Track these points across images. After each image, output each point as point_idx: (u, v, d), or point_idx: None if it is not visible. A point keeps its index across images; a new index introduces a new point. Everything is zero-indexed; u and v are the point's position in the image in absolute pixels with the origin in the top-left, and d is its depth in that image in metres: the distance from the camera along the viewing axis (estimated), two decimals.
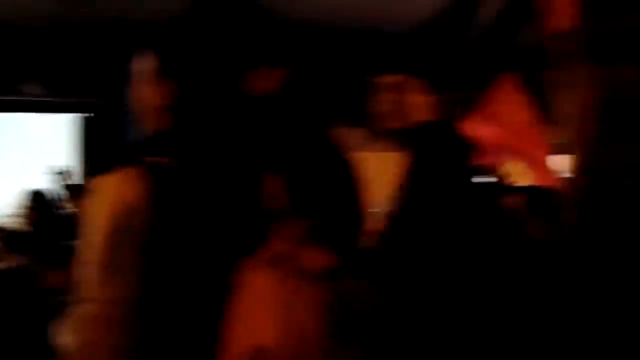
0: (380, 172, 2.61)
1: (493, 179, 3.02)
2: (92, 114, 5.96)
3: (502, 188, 3.14)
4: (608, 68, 1.55)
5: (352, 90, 2.81)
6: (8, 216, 4.78)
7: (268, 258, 1.64)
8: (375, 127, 2.88)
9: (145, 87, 1.85)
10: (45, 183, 5.40)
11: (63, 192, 5.41)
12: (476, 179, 2.90)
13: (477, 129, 6.56)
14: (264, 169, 1.81)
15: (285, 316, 1.53)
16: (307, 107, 2.46)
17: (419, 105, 2.78)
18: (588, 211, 1.51)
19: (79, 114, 5.99)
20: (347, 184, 2.45)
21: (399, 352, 1.73)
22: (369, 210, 2.57)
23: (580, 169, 1.55)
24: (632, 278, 1.43)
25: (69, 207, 5.21)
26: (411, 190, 2.58)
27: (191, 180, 1.71)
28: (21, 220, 4.68)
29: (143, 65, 1.85)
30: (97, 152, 5.88)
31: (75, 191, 5.30)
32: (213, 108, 1.86)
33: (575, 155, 1.58)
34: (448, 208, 2.51)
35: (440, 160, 2.63)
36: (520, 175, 6.56)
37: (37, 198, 4.87)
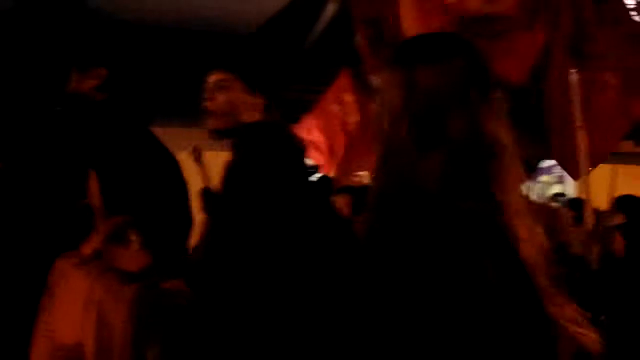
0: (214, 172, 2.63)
1: (324, 179, 3.04)
2: None
3: (331, 188, 3.20)
4: (408, 71, 1.59)
5: (191, 90, 2.78)
6: None
7: (82, 257, 1.64)
8: (207, 127, 2.89)
9: None
10: None
11: None
12: (308, 179, 2.91)
13: (311, 130, 6.66)
14: (88, 167, 1.79)
15: (96, 314, 1.53)
16: (131, 107, 2.44)
17: (246, 105, 2.75)
18: (383, 217, 1.54)
19: None
20: (168, 184, 2.45)
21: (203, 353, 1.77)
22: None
23: (383, 174, 1.58)
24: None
25: None
26: (226, 191, 2.61)
27: (12, 179, 1.70)
28: None
29: None
30: None
31: None
32: (35, 107, 1.84)
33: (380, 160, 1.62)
34: (267, 208, 2.53)
35: (261, 161, 2.61)
36: (348, 175, 6.74)
37: None
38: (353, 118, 6.63)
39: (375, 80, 4.30)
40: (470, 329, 1.46)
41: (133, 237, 1.69)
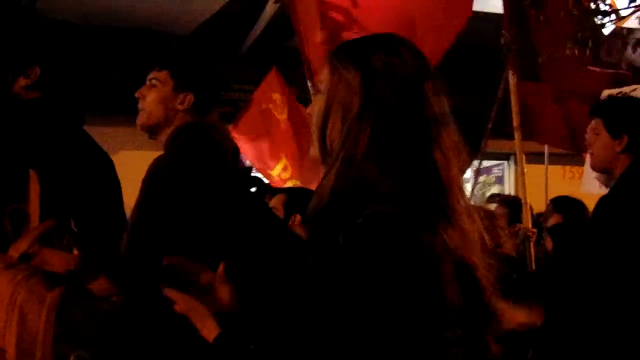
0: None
1: (257, 180, 3.01)
2: None
3: (265, 188, 3.17)
4: (364, 74, 1.59)
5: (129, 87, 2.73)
6: None
7: (8, 260, 1.59)
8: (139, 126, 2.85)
9: None
10: None
11: None
12: (239, 179, 2.89)
13: (243, 130, 6.64)
14: (27, 168, 1.76)
15: (17, 318, 1.49)
16: (64, 106, 2.39)
17: (175, 103, 2.76)
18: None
19: None
20: (101, 184, 2.41)
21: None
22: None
23: (337, 176, 1.57)
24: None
25: None
26: (145, 195, 2.54)
27: None
28: None
29: None
30: None
31: None
32: None
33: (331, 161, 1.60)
34: (191, 208, 2.49)
35: (186, 161, 2.61)
36: (285, 168, 6.74)
37: None
38: (282, 116, 6.65)
39: (315, 82, 4.34)
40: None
41: (63, 239, 1.66)
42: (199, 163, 2.63)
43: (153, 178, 2.57)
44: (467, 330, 1.54)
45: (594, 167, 3.46)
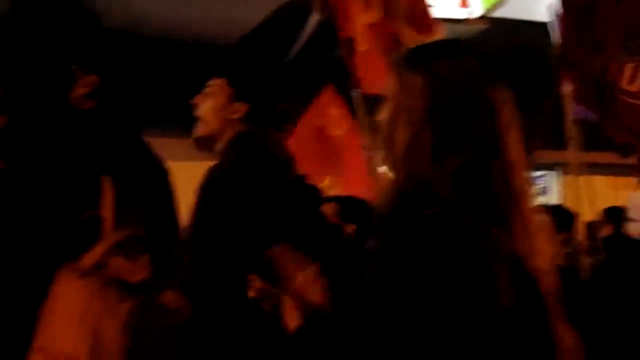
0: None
1: (312, 188, 3.01)
2: None
3: (320, 196, 3.17)
4: (428, 79, 1.59)
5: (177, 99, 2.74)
6: None
7: (83, 268, 1.60)
8: (194, 134, 2.87)
9: None
10: None
11: None
12: (296, 188, 2.90)
13: (297, 140, 6.64)
14: (101, 175, 1.77)
15: (91, 328, 1.50)
16: (122, 116, 2.40)
17: (231, 112, 2.78)
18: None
19: None
20: (165, 195, 2.41)
21: None
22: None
23: (400, 180, 1.57)
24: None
25: None
26: (201, 204, 2.58)
27: (19, 183, 1.65)
28: None
29: None
30: None
31: None
32: (40, 111, 1.80)
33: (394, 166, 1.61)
34: (246, 218, 2.51)
35: (243, 170, 2.62)
36: (332, 185, 6.72)
37: None
38: (337, 131, 6.62)
39: (357, 92, 4.32)
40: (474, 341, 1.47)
41: (137, 250, 1.66)
42: (254, 172, 2.63)
43: (209, 187, 2.61)
44: (522, 331, 1.53)
45: None
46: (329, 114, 6.66)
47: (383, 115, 1.67)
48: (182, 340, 1.59)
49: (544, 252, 1.60)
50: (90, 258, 1.62)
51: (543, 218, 1.68)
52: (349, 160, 6.54)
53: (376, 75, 4.26)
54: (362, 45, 4.40)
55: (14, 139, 1.73)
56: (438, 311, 1.45)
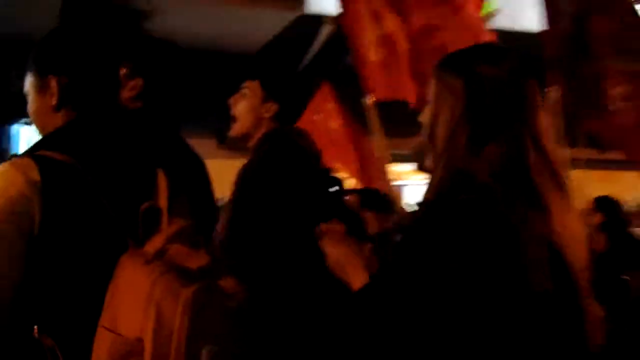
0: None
1: (337, 180, 2.99)
2: None
3: (343, 187, 3.15)
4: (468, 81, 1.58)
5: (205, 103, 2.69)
6: None
7: (146, 255, 1.53)
8: (230, 132, 2.84)
9: (31, 91, 1.74)
10: None
11: None
12: (322, 180, 2.86)
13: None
14: (156, 167, 1.73)
15: (155, 312, 1.43)
16: (164, 116, 2.35)
17: (263, 111, 2.74)
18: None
19: None
20: (207, 187, 2.38)
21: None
22: None
23: (441, 172, 1.57)
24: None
25: None
26: (238, 196, 2.53)
27: (84, 176, 1.57)
28: None
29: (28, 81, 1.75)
30: None
31: None
32: (100, 110, 1.73)
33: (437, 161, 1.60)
34: (281, 212, 2.48)
35: (276, 164, 2.59)
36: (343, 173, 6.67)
37: None
38: (337, 122, 6.55)
39: (367, 99, 4.26)
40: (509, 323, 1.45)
41: (195, 238, 1.60)
42: (285, 165, 2.60)
43: (245, 181, 2.57)
44: (557, 313, 1.49)
45: None
46: (325, 108, 6.60)
47: (425, 116, 1.66)
48: (241, 322, 1.52)
49: (578, 235, 1.57)
50: (152, 246, 1.55)
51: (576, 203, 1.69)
52: (354, 149, 6.50)
53: (386, 84, 4.22)
54: (374, 55, 4.33)
55: (78, 135, 1.65)
56: (472, 294, 1.42)
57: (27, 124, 6.35)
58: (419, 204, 1.66)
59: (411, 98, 4.18)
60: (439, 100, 1.62)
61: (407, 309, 1.45)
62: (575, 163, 5.36)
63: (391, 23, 4.39)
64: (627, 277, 3.81)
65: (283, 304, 2.32)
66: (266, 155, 2.66)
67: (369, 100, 4.08)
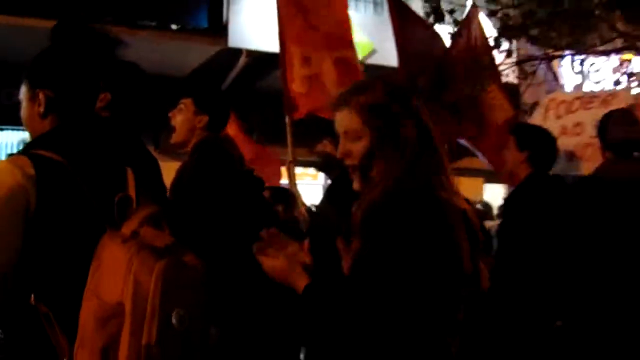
0: None
1: (259, 179, 2.99)
2: None
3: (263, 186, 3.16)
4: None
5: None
6: None
7: (123, 235, 1.52)
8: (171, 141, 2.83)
9: (24, 100, 1.72)
10: None
11: None
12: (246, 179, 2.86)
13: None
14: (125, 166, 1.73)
15: (133, 282, 1.41)
16: (129, 123, 2.33)
17: (194, 122, 2.74)
18: None
19: None
20: (160, 181, 2.36)
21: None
22: None
23: None
24: None
25: None
26: (176, 193, 2.54)
27: (70, 171, 1.56)
28: None
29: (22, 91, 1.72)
30: None
31: None
32: (80, 118, 1.71)
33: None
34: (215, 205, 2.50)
35: (205, 167, 2.62)
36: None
37: None
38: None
39: (288, 118, 4.21)
40: None
41: (160, 222, 1.59)
42: (214, 167, 2.63)
43: (180, 180, 2.61)
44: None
45: None
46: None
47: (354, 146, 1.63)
48: (203, 289, 1.51)
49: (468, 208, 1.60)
50: (128, 228, 1.54)
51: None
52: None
53: (305, 108, 4.17)
54: (299, 88, 4.26)
55: (63, 138, 1.63)
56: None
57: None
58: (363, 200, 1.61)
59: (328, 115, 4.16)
60: (347, 131, 1.63)
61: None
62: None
63: (316, 65, 4.35)
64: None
65: (235, 275, 2.32)
66: (200, 158, 2.68)
67: (288, 118, 4.07)
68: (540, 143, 3.27)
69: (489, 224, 5.25)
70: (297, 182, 3.93)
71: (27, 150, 1.58)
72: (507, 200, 3.39)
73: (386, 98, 1.60)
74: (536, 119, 4.30)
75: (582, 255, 2.87)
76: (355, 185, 1.65)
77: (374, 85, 1.65)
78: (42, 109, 1.65)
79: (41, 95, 1.65)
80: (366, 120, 1.59)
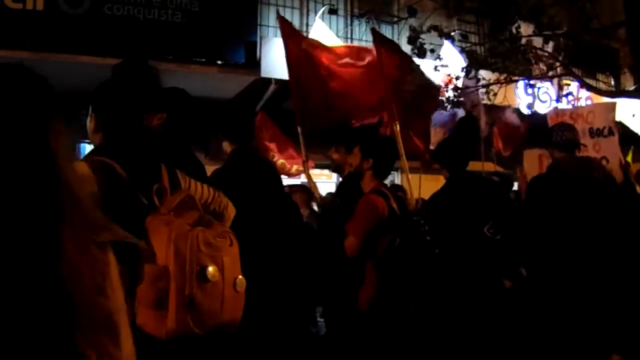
0: None
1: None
2: None
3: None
4: None
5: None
6: None
7: (163, 214, 1.60)
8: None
9: (88, 119, 1.80)
10: None
11: None
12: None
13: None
14: (160, 164, 1.78)
15: (173, 247, 1.49)
16: (179, 136, 2.38)
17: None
18: None
19: None
20: (205, 179, 2.40)
21: None
22: None
23: None
24: None
25: None
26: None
27: (118, 170, 1.63)
28: None
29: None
30: None
31: None
32: (131, 133, 1.79)
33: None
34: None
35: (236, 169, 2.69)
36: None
37: None
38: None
39: (300, 129, 4.18)
40: None
41: (188, 204, 1.67)
42: (248, 169, 2.71)
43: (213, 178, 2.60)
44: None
45: None
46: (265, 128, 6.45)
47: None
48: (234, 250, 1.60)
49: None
50: (165, 207, 1.62)
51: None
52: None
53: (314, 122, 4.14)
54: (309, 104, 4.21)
55: (110, 148, 1.73)
56: None
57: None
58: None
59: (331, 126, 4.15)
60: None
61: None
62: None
63: (325, 87, 4.34)
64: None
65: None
66: (229, 162, 2.80)
67: (300, 129, 4.10)
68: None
69: None
70: (315, 180, 3.95)
71: (87, 156, 1.71)
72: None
73: None
74: None
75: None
76: None
77: None
78: (93, 127, 1.78)
79: (93, 117, 1.77)
80: None
